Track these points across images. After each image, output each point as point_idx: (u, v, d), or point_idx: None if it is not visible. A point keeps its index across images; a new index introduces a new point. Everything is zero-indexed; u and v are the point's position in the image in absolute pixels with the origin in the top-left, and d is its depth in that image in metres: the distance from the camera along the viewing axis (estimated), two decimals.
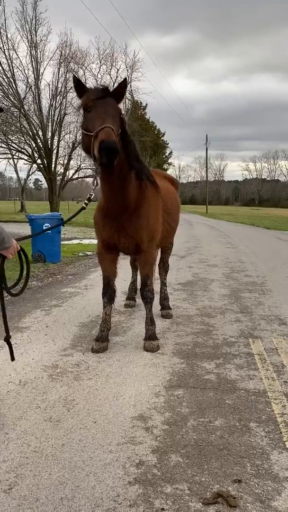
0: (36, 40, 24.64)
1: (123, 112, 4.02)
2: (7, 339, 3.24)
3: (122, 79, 4.07)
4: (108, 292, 4.69)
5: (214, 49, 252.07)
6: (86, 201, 3.88)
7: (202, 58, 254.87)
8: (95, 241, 15.56)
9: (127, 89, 27.85)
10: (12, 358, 3.29)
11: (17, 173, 52.78)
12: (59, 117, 25.58)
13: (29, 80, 24.56)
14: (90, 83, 25.47)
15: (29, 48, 24.60)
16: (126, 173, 4.10)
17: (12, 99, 23.75)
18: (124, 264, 7.09)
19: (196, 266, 10.43)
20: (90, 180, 33.54)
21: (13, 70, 23.88)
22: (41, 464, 2.68)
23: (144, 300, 4.74)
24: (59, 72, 25.56)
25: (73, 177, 28.23)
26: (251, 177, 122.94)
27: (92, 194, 4.07)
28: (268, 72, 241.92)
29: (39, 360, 4.28)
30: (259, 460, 2.78)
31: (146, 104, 45.52)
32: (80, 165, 27.31)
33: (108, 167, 3.61)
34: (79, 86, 3.89)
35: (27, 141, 25.30)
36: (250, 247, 15.11)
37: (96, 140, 3.46)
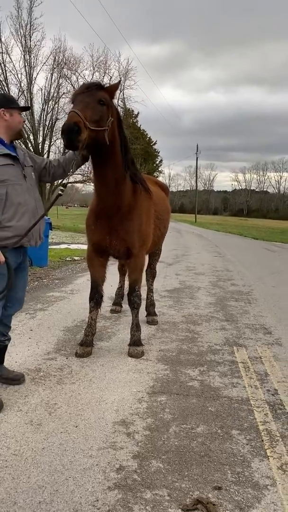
0: (30, 45, 24.71)
1: (114, 100, 3.98)
2: None
3: (117, 81, 4.08)
4: (96, 297, 4.66)
5: (201, 60, 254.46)
6: (62, 187, 3.83)
7: (189, 68, 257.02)
8: (83, 246, 15.55)
9: (119, 95, 27.81)
10: None
11: None
12: (50, 122, 25.65)
13: (22, 84, 24.59)
14: None
15: (22, 53, 24.66)
16: (121, 172, 4.12)
17: None
18: (111, 270, 7.09)
19: (183, 273, 10.46)
20: (79, 185, 33.58)
21: (6, 74, 23.89)
22: (20, 467, 2.65)
23: (131, 306, 4.73)
24: (52, 77, 25.64)
25: (62, 182, 28.18)
26: (240, 187, 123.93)
27: (67, 180, 4.04)
28: (254, 84, 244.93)
29: (22, 363, 4.24)
30: (240, 467, 2.78)
31: (138, 113, 45.68)
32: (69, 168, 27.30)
33: (72, 149, 3.53)
34: None
35: None
36: (238, 256, 15.19)
37: None
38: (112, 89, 3.89)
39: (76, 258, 12.19)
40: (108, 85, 3.98)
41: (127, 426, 3.19)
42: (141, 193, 4.45)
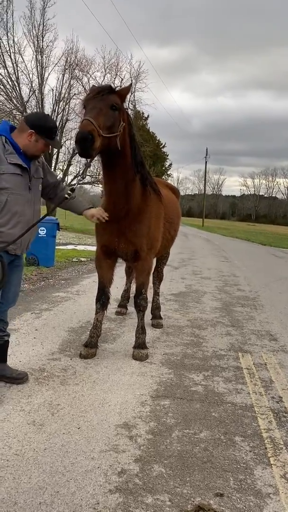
0: (42, 45, 24.81)
1: (125, 105, 3.97)
2: None
3: (129, 83, 4.05)
4: (102, 299, 4.65)
5: (209, 64, 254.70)
6: (69, 191, 3.79)
7: (198, 72, 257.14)
8: (90, 248, 15.55)
9: (130, 97, 27.88)
10: None
11: None
12: (61, 123, 25.69)
13: (33, 85, 24.70)
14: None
15: (35, 53, 24.76)
16: (131, 175, 4.13)
17: (15, 102, 23.83)
18: (117, 271, 7.09)
19: (189, 277, 10.43)
20: (88, 186, 33.69)
21: (17, 74, 24.00)
22: (21, 467, 2.64)
23: (137, 308, 4.71)
24: (63, 78, 25.73)
25: (71, 183, 28.32)
26: (249, 192, 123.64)
27: (75, 184, 4.16)
28: (262, 89, 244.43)
29: (26, 363, 4.23)
30: (243, 474, 2.75)
31: (148, 115, 45.77)
32: (79, 171, 27.40)
33: (86, 157, 3.61)
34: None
35: None
36: (244, 262, 15.14)
37: None
38: (123, 93, 3.89)
39: (82, 259, 12.19)
40: (119, 88, 3.98)
41: (130, 429, 3.17)
42: (151, 196, 4.45)
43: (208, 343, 5.33)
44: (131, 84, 4.46)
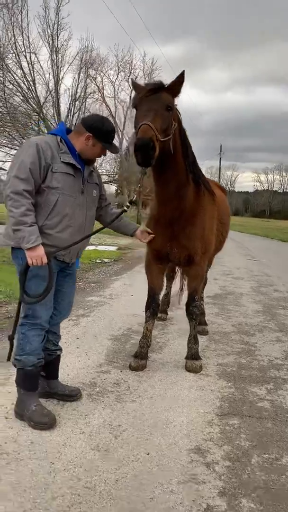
0: (57, 44, 24.57)
1: (176, 104, 3.62)
2: (11, 338, 3.22)
3: (180, 72, 3.60)
4: (152, 306, 4.33)
5: (218, 60, 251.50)
6: (128, 203, 3.65)
7: (207, 68, 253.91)
8: (110, 248, 15.29)
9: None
10: (8, 358, 3.24)
11: None
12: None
13: (49, 85, 24.48)
14: (108, 88, 25.30)
15: (50, 53, 24.53)
16: (184, 175, 3.82)
17: (31, 103, 23.65)
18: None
19: (221, 278, 10.09)
20: (105, 186, 33.49)
21: (33, 74, 23.79)
22: (96, 503, 2.35)
23: (189, 316, 4.39)
24: (79, 77, 25.48)
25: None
26: (262, 188, 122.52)
27: (135, 195, 4.03)
28: (272, 85, 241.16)
29: (75, 377, 3.95)
30: None
31: None
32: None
33: (146, 165, 3.29)
34: (136, 88, 3.58)
35: None
36: (271, 259, 14.75)
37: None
38: (177, 89, 3.52)
39: (105, 260, 11.93)
40: (170, 82, 3.56)
41: (204, 454, 2.87)
42: (205, 196, 4.14)
43: (260, 351, 5.01)
44: (183, 74, 3.56)
